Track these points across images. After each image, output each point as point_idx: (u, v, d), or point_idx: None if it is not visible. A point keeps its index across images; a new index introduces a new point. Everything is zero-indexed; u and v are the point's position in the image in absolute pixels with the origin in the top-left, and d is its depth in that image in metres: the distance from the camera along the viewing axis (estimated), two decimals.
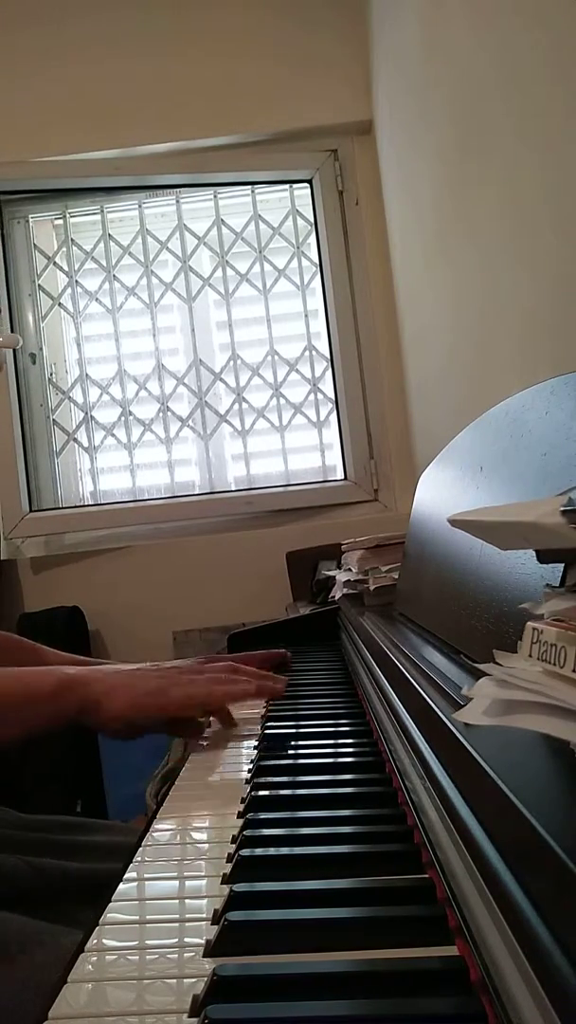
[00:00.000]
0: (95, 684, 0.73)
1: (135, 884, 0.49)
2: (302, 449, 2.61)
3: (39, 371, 2.63)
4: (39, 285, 2.63)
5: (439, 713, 0.45)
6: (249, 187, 2.62)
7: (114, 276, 2.62)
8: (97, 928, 0.43)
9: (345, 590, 1.36)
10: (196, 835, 0.58)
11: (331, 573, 1.60)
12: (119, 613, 2.46)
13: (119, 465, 2.63)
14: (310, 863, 0.47)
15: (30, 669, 0.78)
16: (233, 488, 2.61)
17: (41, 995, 0.37)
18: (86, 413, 2.61)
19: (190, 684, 0.73)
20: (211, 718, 0.85)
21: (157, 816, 0.61)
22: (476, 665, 0.43)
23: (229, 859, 0.49)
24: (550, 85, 1.09)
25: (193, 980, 0.37)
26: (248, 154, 2.56)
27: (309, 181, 2.61)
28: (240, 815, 0.57)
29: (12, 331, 2.57)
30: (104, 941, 0.42)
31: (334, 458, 2.60)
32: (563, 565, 0.42)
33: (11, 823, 0.88)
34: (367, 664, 0.85)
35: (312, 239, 2.62)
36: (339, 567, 1.53)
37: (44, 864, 0.78)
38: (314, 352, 2.60)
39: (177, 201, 2.62)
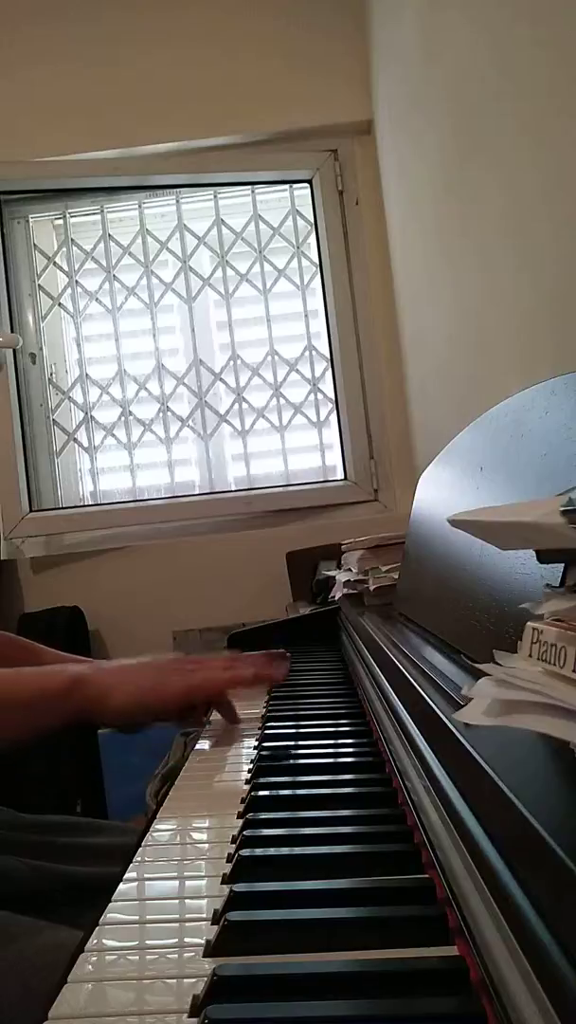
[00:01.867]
0: (98, 681, 0.73)
1: (135, 884, 0.49)
2: (302, 449, 2.61)
3: (39, 371, 2.63)
4: (39, 285, 2.62)
5: (439, 713, 0.45)
6: (249, 187, 2.62)
7: (114, 276, 2.62)
8: (97, 928, 0.43)
9: (345, 590, 1.36)
10: (196, 835, 0.58)
11: (331, 573, 1.60)
12: (119, 613, 2.46)
13: (119, 465, 2.62)
14: (310, 863, 0.47)
15: (40, 669, 0.78)
16: (233, 488, 2.61)
17: (41, 995, 0.37)
18: (86, 413, 2.61)
19: (189, 674, 0.73)
20: (213, 712, 0.85)
21: (157, 816, 0.61)
22: (476, 665, 0.43)
23: (229, 859, 0.49)
24: (550, 85, 1.09)
25: (193, 980, 0.37)
26: (248, 154, 2.56)
27: (309, 181, 2.61)
28: (240, 815, 0.57)
29: (12, 331, 2.57)
30: (104, 941, 0.42)
31: (334, 458, 2.60)
32: (563, 565, 0.42)
33: (10, 823, 0.88)
34: (367, 664, 0.85)
35: (312, 239, 2.62)
36: (339, 567, 1.53)
37: (43, 867, 0.78)
38: (314, 352, 2.60)
39: (177, 201, 2.62)
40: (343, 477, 2.57)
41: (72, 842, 0.87)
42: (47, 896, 0.74)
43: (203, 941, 0.40)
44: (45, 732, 0.76)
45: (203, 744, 0.81)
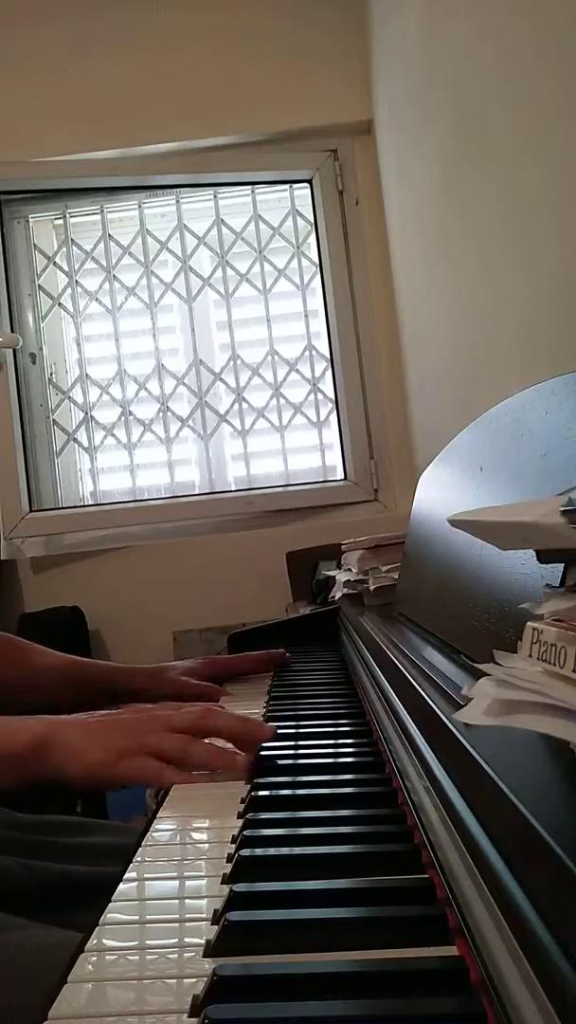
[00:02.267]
0: (55, 745, 0.69)
1: (135, 884, 0.49)
2: (302, 449, 2.60)
3: (39, 371, 2.63)
4: (39, 285, 2.62)
5: (439, 713, 0.45)
6: (249, 187, 2.61)
7: (114, 276, 2.62)
8: (97, 928, 0.43)
9: (345, 590, 1.36)
10: (196, 835, 0.58)
11: (331, 573, 1.60)
12: (119, 613, 2.46)
13: (119, 465, 2.62)
14: (310, 863, 0.47)
15: (3, 722, 0.73)
16: (233, 488, 2.61)
17: (41, 995, 0.37)
18: (86, 413, 2.61)
19: (143, 759, 0.67)
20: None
21: (157, 816, 0.61)
22: (476, 665, 0.43)
23: (229, 859, 0.49)
24: (550, 85, 1.09)
25: (193, 980, 0.37)
26: (248, 154, 2.56)
27: (309, 181, 2.61)
28: (240, 815, 0.57)
29: (12, 331, 2.57)
30: (104, 941, 0.42)
31: (334, 458, 2.60)
32: (563, 565, 0.42)
33: (10, 824, 0.88)
34: (367, 664, 0.85)
35: (312, 239, 2.62)
36: (339, 567, 1.53)
37: (41, 867, 0.78)
38: (314, 352, 2.60)
39: (177, 201, 2.62)
40: (343, 477, 2.57)
41: (72, 842, 0.87)
42: (46, 896, 0.74)
43: (203, 941, 0.40)
44: (6, 789, 0.72)
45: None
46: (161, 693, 1.04)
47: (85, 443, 2.62)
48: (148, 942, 0.42)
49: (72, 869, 0.79)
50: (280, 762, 0.70)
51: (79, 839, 0.88)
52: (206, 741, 0.71)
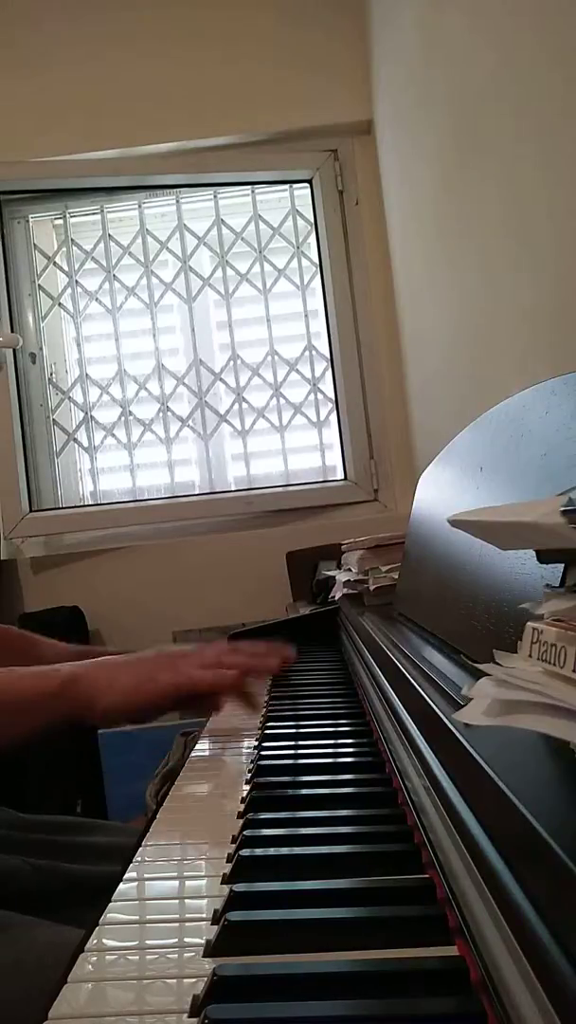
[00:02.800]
0: (89, 682, 0.73)
1: (135, 884, 0.49)
2: (302, 449, 2.60)
3: (39, 371, 2.63)
4: (39, 285, 2.62)
5: (439, 713, 0.45)
6: (249, 187, 2.61)
7: (114, 276, 2.62)
8: (97, 928, 0.43)
9: (345, 590, 1.36)
10: (196, 835, 0.58)
11: (331, 573, 1.60)
12: (119, 613, 2.46)
13: (119, 465, 2.62)
14: (310, 863, 0.47)
15: (34, 669, 0.77)
16: (233, 488, 2.61)
17: (41, 995, 0.37)
18: (86, 413, 2.61)
19: (175, 672, 0.72)
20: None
21: (157, 816, 0.61)
22: (476, 665, 0.43)
23: (229, 859, 0.49)
24: (550, 84, 1.09)
25: (193, 980, 0.37)
26: (248, 154, 2.56)
27: (309, 181, 2.61)
28: (240, 815, 0.57)
29: (12, 331, 2.57)
30: (104, 941, 0.42)
31: (334, 458, 2.60)
32: (563, 565, 0.42)
33: (12, 823, 0.88)
34: (367, 664, 0.85)
35: (312, 239, 2.62)
36: (339, 567, 1.53)
37: (43, 865, 0.78)
38: (314, 352, 2.60)
39: (177, 201, 2.62)
40: (343, 477, 2.57)
41: (72, 841, 0.87)
42: (48, 895, 0.74)
43: (203, 941, 0.40)
44: (38, 733, 0.75)
45: (203, 744, 0.82)
46: None
47: (85, 443, 2.62)
48: (148, 942, 0.42)
49: (75, 868, 0.79)
50: (280, 762, 0.70)
51: (80, 838, 0.88)
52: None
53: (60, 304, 2.64)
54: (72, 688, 0.73)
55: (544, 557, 0.40)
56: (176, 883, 0.50)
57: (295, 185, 2.62)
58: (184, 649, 0.88)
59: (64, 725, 0.75)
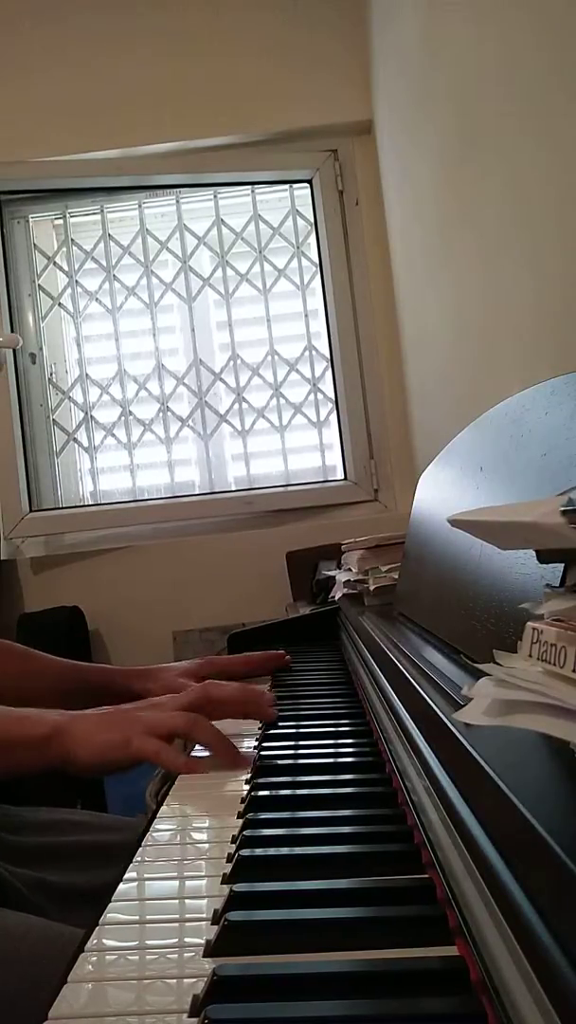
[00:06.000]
0: (71, 735, 0.75)
1: (135, 884, 0.49)
2: (302, 449, 2.60)
3: (39, 371, 2.63)
4: (39, 285, 2.62)
5: (439, 713, 0.45)
6: (249, 187, 2.61)
7: (114, 276, 2.62)
8: (97, 928, 0.43)
9: (345, 590, 1.36)
10: (196, 835, 0.58)
11: (331, 573, 1.60)
12: (119, 613, 2.46)
13: (119, 465, 2.62)
14: (310, 863, 0.47)
15: (23, 714, 0.79)
16: (233, 488, 2.61)
17: (41, 994, 0.37)
18: (86, 413, 2.61)
19: (140, 743, 0.74)
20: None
21: (157, 816, 0.61)
22: (476, 665, 0.43)
23: (229, 859, 0.49)
24: (551, 84, 1.09)
25: (193, 980, 0.37)
26: (248, 154, 2.56)
27: (309, 181, 2.61)
28: (240, 815, 0.57)
29: (12, 331, 2.57)
30: (104, 941, 0.42)
31: (334, 458, 2.60)
32: (563, 565, 0.42)
33: (12, 825, 0.88)
34: (367, 664, 0.85)
35: (312, 239, 2.62)
36: (339, 567, 1.53)
37: (28, 876, 0.78)
38: (314, 352, 2.60)
39: (177, 201, 2.62)
40: (343, 477, 2.57)
41: (77, 841, 0.87)
42: (39, 906, 0.74)
43: (203, 941, 0.40)
44: (16, 776, 0.78)
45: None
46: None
47: (85, 443, 2.62)
48: (148, 942, 0.42)
49: (70, 880, 0.79)
50: (280, 762, 0.70)
51: (84, 838, 0.88)
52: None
53: (60, 304, 2.64)
54: (55, 740, 0.75)
55: (544, 557, 0.40)
56: (176, 883, 0.50)
57: (295, 185, 2.62)
58: (183, 670, 0.88)
59: (40, 772, 0.77)
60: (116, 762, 0.74)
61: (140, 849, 0.54)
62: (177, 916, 0.45)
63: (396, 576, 1.16)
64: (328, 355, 2.59)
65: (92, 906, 0.46)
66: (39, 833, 0.88)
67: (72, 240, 2.63)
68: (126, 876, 0.50)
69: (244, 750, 0.77)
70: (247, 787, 0.63)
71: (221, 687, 0.87)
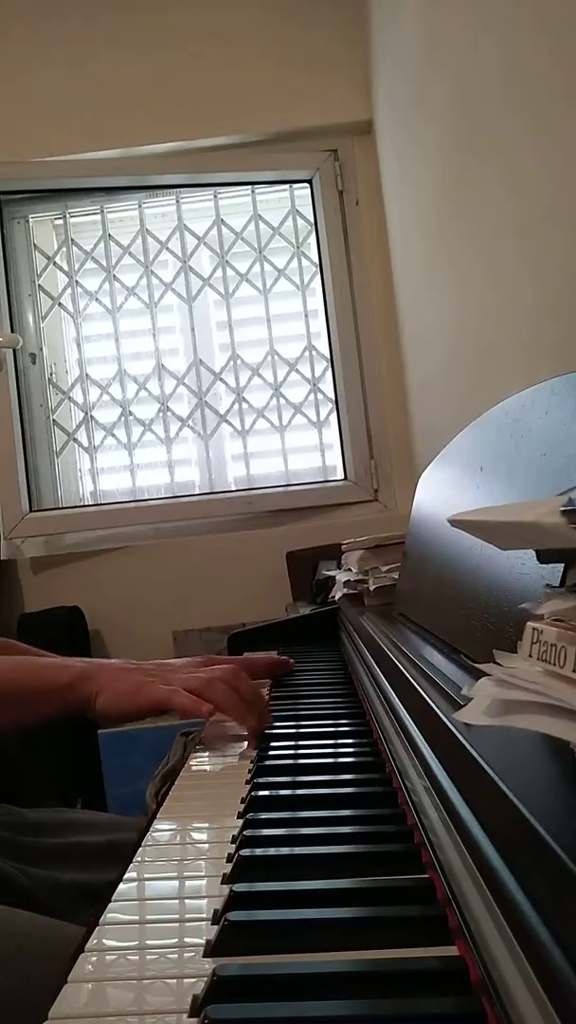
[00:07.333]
0: (94, 680, 0.80)
1: (135, 884, 0.49)
2: (302, 449, 2.61)
3: (39, 371, 2.63)
4: (39, 285, 2.63)
5: (439, 713, 0.45)
6: (249, 187, 2.62)
7: (114, 276, 2.62)
8: (97, 928, 0.43)
9: (345, 590, 1.36)
10: (196, 835, 0.58)
11: (331, 573, 1.60)
12: (119, 613, 2.46)
13: (119, 465, 2.62)
14: (310, 863, 0.47)
15: (50, 661, 0.86)
16: (233, 488, 2.61)
17: (41, 994, 0.37)
18: (86, 413, 2.61)
19: (160, 689, 0.78)
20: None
21: (157, 816, 0.61)
22: (476, 665, 0.43)
23: (229, 859, 0.49)
24: (552, 83, 1.09)
25: (193, 980, 0.37)
26: (248, 154, 2.56)
27: (309, 181, 2.61)
28: (240, 815, 0.57)
29: (12, 331, 2.57)
30: (104, 941, 0.42)
31: (334, 458, 2.60)
32: (563, 565, 0.42)
33: (12, 825, 0.88)
34: (367, 664, 0.85)
35: (312, 239, 2.62)
36: (339, 567, 1.53)
37: (42, 876, 0.78)
38: (314, 352, 2.60)
39: (177, 201, 2.62)
40: (343, 477, 2.57)
41: (75, 842, 0.87)
42: (44, 900, 0.75)
43: (203, 941, 0.40)
44: (43, 720, 0.83)
45: (203, 744, 0.82)
46: None
47: (85, 443, 2.62)
48: (148, 942, 0.42)
49: (71, 877, 0.80)
50: (280, 762, 0.70)
51: (84, 839, 0.88)
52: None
53: (60, 304, 2.64)
54: (80, 684, 0.80)
55: (544, 557, 0.40)
56: (176, 883, 0.50)
57: (295, 185, 2.62)
58: (188, 662, 0.90)
59: (66, 716, 0.82)
60: (132, 707, 0.78)
61: (140, 849, 0.54)
62: (177, 916, 0.45)
63: (396, 576, 1.16)
64: (328, 355, 2.59)
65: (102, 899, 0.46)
66: (53, 834, 0.89)
67: (72, 240, 2.63)
68: (126, 876, 0.50)
69: (244, 750, 0.77)
70: (247, 787, 0.63)
71: (243, 677, 0.86)
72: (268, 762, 0.70)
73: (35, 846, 0.85)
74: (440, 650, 0.68)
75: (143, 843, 0.55)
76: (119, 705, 0.78)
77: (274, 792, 0.62)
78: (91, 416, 2.61)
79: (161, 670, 0.85)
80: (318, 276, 2.60)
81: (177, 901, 0.47)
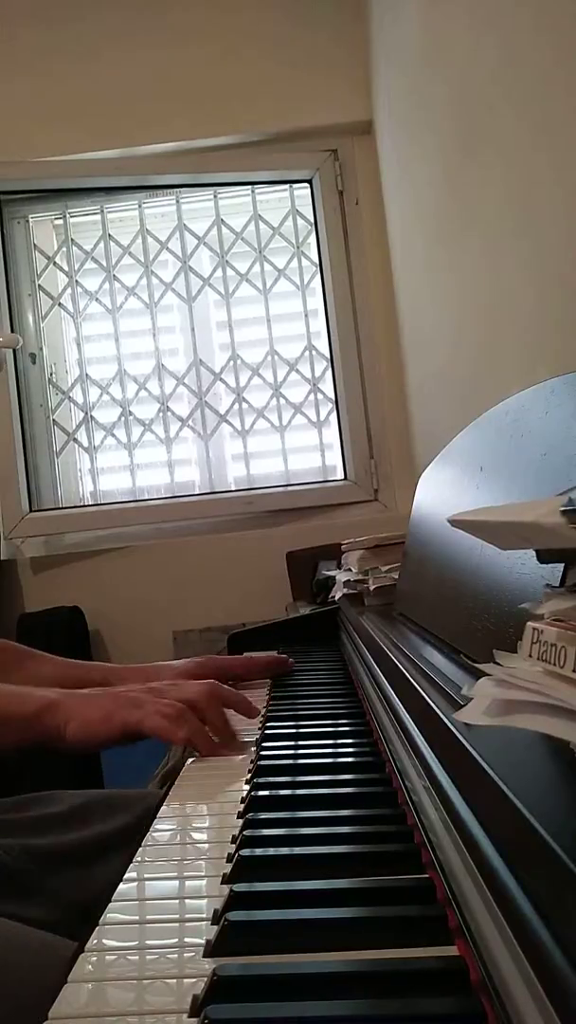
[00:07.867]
0: (63, 710, 0.78)
1: (135, 884, 0.49)
2: (302, 449, 2.60)
3: (39, 371, 2.63)
4: (39, 285, 2.62)
5: (439, 713, 0.45)
6: (249, 187, 2.62)
7: (114, 276, 2.62)
8: (97, 928, 0.43)
9: (345, 590, 1.36)
10: (196, 835, 0.58)
11: (331, 573, 1.60)
12: (119, 613, 2.46)
13: (119, 465, 2.62)
14: (310, 863, 0.47)
15: (15, 689, 0.82)
16: (233, 488, 2.61)
17: (41, 995, 0.37)
18: (86, 413, 2.61)
19: (131, 715, 0.76)
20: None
21: (157, 816, 0.61)
22: (476, 665, 0.43)
23: (229, 859, 0.49)
24: (552, 83, 1.09)
25: (193, 980, 0.37)
26: (248, 154, 2.56)
27: (309, 181, 2.61)
28: (240, 815, 0.57)
29: (12, 331, 2.57)
30: (104, 941, 0.42)
31: (334, 458, 2.60)
32: (563, 565, 0.42)
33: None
34: (367, 664, 0.85)
35: (312, 239, 2.62)
36: (339, 567, 1.53)
37: (17, 846, 0.79)
38: (314, 352, 2.60)
39: (177, 201, 2.62)
40: (343, 477, 2.57)
41: (38, 816, 0.87)
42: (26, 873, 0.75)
43: (203, 941, 0.40)
44: (11, 749, 0.81)
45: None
46: None
47: (85, 443, 2.62)
48: (148, 942, 0.42)
49: (47, 842, 0.80)
50: (280, 762, 0.70)
51: (42, 810, 0.88)
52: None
53: (60, 304, 2.64)
54: (47, 714, 0.78)
55: (544, 557, 0.40)
56: (176, 883, 0.50)
57: (295, 185, 2.62)
58: (162, 686, 0.87)
59: (34, 746, 0.80)
60: (103, 735, 0.76)
61: (140, 849, 0.54)
62: (177, 916, 0.45)
63: (396, 576, 1.16)
64: (328, 355, 2.59)
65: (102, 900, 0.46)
66: (22, 811, 0.89)
67: (72, 240, 2.63)
68: (126, 876, 0.50)
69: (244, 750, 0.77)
70: (247, 787, 0.63)
71: (226, 692, 0.85)
72: (268, 762, 0.70)
73: (5, 823, 0.85)
74: (440, 650, 0.68)
75: (143, 843, 0.55)
76: (90, 735, 0.76)
77: (274, 792, 0.62)
78: (91, 416, 2.61)
79: (139, 689, 0.83)
80: (318, 276, 2.60)
81: (177, 901, 0.47)
